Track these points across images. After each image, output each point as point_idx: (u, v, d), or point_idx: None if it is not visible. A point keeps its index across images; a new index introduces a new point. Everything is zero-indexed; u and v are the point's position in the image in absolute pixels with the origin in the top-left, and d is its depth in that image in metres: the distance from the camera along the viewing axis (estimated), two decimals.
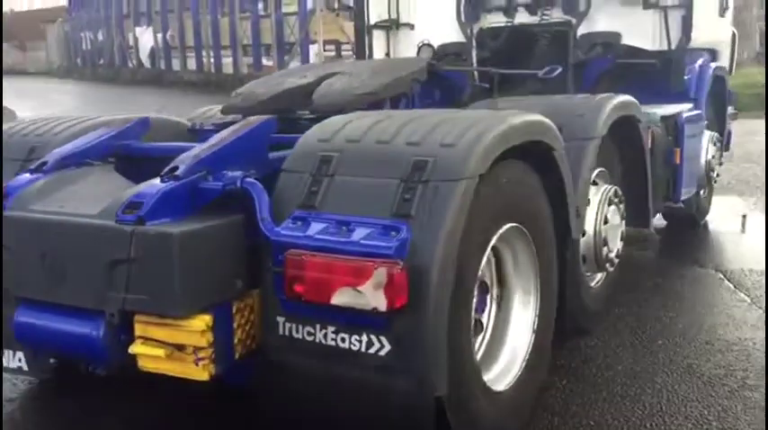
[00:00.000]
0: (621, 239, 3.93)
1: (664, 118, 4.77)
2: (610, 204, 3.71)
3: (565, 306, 3.26)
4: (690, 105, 5.29)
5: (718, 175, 6.03)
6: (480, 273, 2.56)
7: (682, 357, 3.47)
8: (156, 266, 2.25)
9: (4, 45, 52.13)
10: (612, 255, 3.79)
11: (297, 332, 2.36)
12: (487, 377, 2.72)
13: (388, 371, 2.24)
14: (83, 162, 2.88)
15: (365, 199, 2.33)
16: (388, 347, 2.23)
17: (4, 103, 19.84)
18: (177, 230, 2.24)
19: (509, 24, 5.50)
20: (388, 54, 6.07)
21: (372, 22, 5.90)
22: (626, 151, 4.07)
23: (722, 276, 4.70)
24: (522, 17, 5.46)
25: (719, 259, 5.22)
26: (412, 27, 6.00)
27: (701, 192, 5.93)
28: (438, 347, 2.22)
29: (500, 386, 2.76)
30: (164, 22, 26.89)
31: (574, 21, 5.26)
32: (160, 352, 2.32)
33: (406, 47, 5.97)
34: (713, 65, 5.69)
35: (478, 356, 2.88)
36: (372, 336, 2.24)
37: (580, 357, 3.49)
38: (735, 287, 4.50)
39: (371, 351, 2.25)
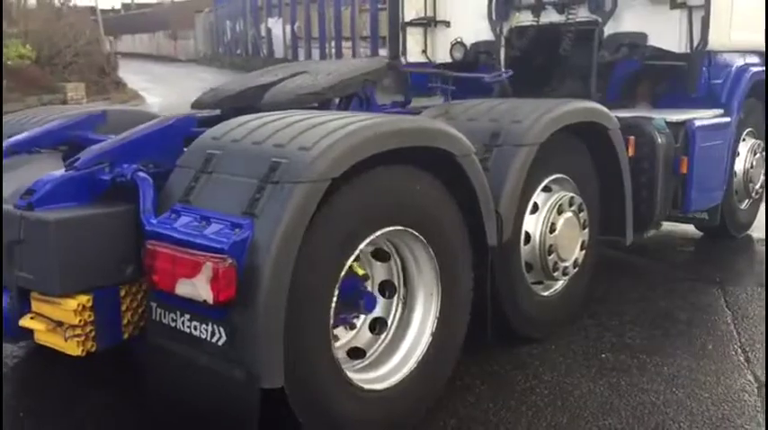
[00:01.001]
0: (584, 248, 3.84)
1: (672, 125, 4.56)
2: (561, 212, 3.63)
3: (489, 311, 3.26)
4: (717, 112, 5.01)
5: (762, 187, 5.66)
6: (344, 273, 2.63)
7: (621, 379, 3.35)
8: (38, 249, 2.52)
9: (158, 34, 56.06)
10: (566, 264, 3.72)
11: (164, 317, 2.56)
12: (363, 375, 2.80)
13: (225, 359, 2.39)
14: (32, 150, 3.20)
15: (227, 196, 2.49)
16: (224, 338, 2.38)
17: (137, 87, 21.58)
18: (53, 217, 2.50)
19: (536, 23, 5.43)
20: (424, 52, 6.16)
21: (408, 18, 5.96)
22: (600, 159, 3.95)
23: (723, 298, 4.42)
24: (551, 16, 5.36)
25: (729, 275, 4.88)
26: (448, 24, 6.04)
27: (741, 203, 5.58)
28: (270, 342, 2.34)
29: (381, 385, 2.83)
30: (292, 14, 27.95)
31: (600, 20, 5.11)
32: (42, 326, 2.59)
33: (443, 44, 6.02)
34: (755, 69, 5.32)
35: (377, 354, 2.99)
36: (214, 326, 2.40)
37: (510, 364, 3.46)
38: (728, 307, 4.25)
39: (213, 340, 2.41)
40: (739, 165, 5.42)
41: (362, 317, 3.02)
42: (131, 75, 23.95)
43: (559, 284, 3.84)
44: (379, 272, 3.05)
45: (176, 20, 51.51)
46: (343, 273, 2.62)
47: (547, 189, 3.67)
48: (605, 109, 3.94)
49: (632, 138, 4.24)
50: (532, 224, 3.58)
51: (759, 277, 4.83)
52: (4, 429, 2.96)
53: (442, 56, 6.03)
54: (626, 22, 5.05)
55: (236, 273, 2.28)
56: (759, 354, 3.54)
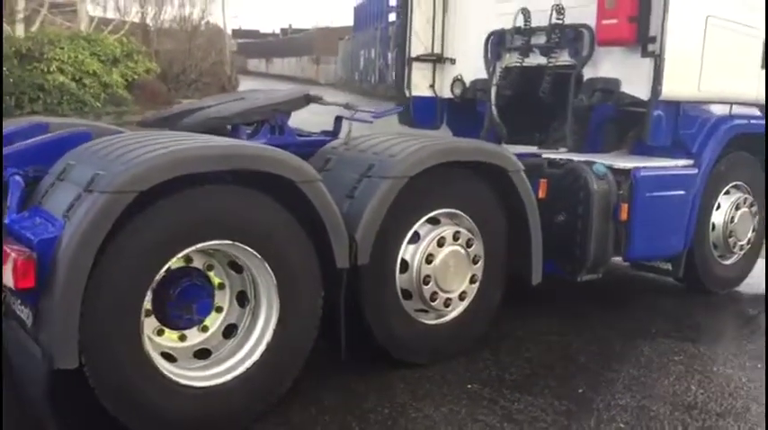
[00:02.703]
0: (474, 282, 3.94)
1: (617, 171, 4.54)
2: (442, 245, 3.77)
3: (342, 330, 3.45)
4: (685, 162, 4.92)
5: (748, 244, 5.41)
6: (161, 276, 2.94)
7: (467, 411, 3.43)
8: None
9: (304, 59, 58.85)
10: (449, 295, 3.83)
11: (12, 302, 2.98)
12: (187, 373, 3.09)
13: (33, 339, 2.78)
14: None
15: (61, 200, 2.90)
16: (32, 320, 2.77)
17: None
18: None
19: (521, 64, 5.55)
20: (432, 86, 6.40)
21: (415, 54, 6.23)
22: (506, 199, 4.03)
23: (642, 348, 4.27)
24: (537, 58, 5.47)
25: (673, 328, 4.67)
26: (453, 62, 6.27)
27: (724, 258, 5.36)
28: (64, 327, 2.67)
29: (203, 383, 3.12)
30: None
31: (577, 64, 5.17)
32: None
33: (449, 80, 6.27)
34: (739, 121, 5.15)
35: (221, 355, 3.27)
36: (28, 310, 2.80)
37: (373, 385, 3.61)
38: (642, 355, 4.13)
39: (28, 322, 2.80)
40: (718, 218, 5.25)
41: (217, 321, 3.32)
42: None
43: (452, 314, 3.95)
44: (236, 282, 3.34)
45: (320, 45, 54.01)
46: (158, 277, 2.94)
47: (434, 221, 3.82)
48: (503, 150, 4.04)
49: (543, 181, 4.30)
50: (410, 253, 3.73)
51: (709, 335, 4.66)
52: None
53: (448, 91, 6.27)
54: (602, 67, 5.08)
55: (35, 265, 2.66)
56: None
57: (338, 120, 4.31)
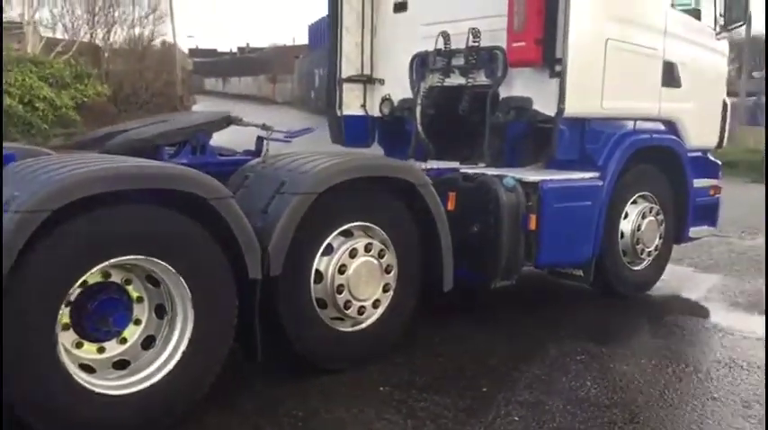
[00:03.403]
0: (387, 291, 4.18)
1: (525, 184, 4.84)
2: (354, 256, 4.01)
3: (258, 337, 3.65)
4: (592, 174, 5.24)
5: (656, 250, 5.76)
6: (75, 290, 3.12)
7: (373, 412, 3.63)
8: None
9: (261, 77, 58.91)
10: (362, 304, 4.07)
11: None
12: (105, 382, 3.26)
13: None
14: None
15: None
16: None
17: None
18: None
19: (442, 84, 5.85)
20: (363, 106, 6.66)
21: (345, 75, 6.49)
22: (417, 211, 4.29)
23: (549, 352, 4.55)
24: (457, 78, 5.77)
25: (578, 333, 4.96)
26: (382, 82, 6.54)
27: (634, 265, 5.70)
28: None
29: (121, 391, 3.29)
30: None
31: (493, 84, 5.48)
32: None
33: (379, 100, 6.53)
34: (640, 136, 5.52)
35: (141, 364, 3.44)
36: None
37: (289, 389, 3.82)
38: (544, 360, 4.41)
39: None
40: (626, 227, 5.58)
41: (136, 333, 3.50)
42: None
43: (367, 322, 4.18)
44: (154, 295, 3.52)
45: (277, 64, 54.13)
46: (73, 292, 3.11)
47: (347, 233, 4.06)
48: (409, 165, 4.31)
49: (452, 193, 4.58)
50: (324, 264, 3.96)
51: (613, 336, 4.97)
52: None
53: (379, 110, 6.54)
54: (516, 87, 5.41)
55: None
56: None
57: (259, 140, 4.53)
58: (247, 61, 67.81)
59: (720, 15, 6.03)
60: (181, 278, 3.39)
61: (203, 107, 28.71)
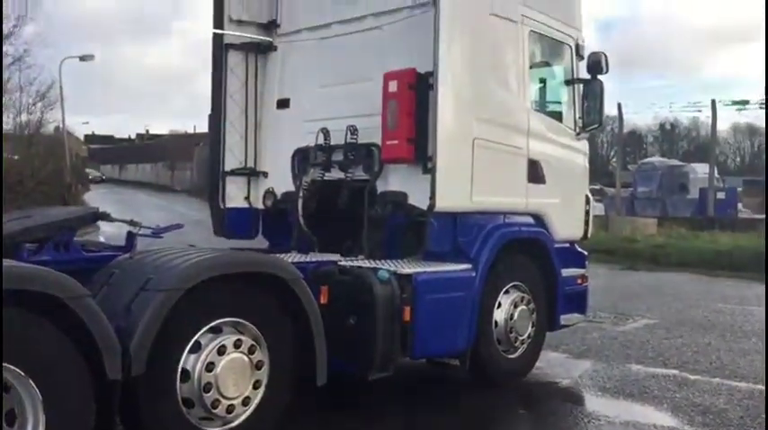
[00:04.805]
0: (257, 387, 4.14)
1: (400, 276, 4.96)
2: (222, 353, 3.97)
3: None
4: (464, 266, 5.42)
5: (529, 338, 5.96)
6: None
7: None
8: None
9: (159, 165, 58.20)
10: (231, 402, 4.00)
11: None
12: None
13: None
14: None
15: None
16: None
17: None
18: None
19: (323, 178, 5.99)
20: (247, 198, 6.71)
21: (229, 168, 6.54)
22: (289, 305, 4.32)
23: None
24: (337, 173, 5.93)
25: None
26: (266, 175, 6.63)
27: (508, 353, 5.86)
28: None
29: None
30: None
31: (370, 179, 5.66)
32: None
33: (262, 192, 6.60)
34: (509, 228, 5.79)
35: None
36: None
37: None
38: None
39: None
40: (500, 316, 5.76)
41: None
42: (100, 203, 24.79)
43: (237, 420, 4.10)
44: (6, 402, 3.35)
45: (176, 151, 53.69)
46: None
47: (216, 330, 4.02)
48: (278, 260, 4.36)
49: (324, 287, 4.64)
50: (191, 362, 3.90)
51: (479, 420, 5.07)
52: None
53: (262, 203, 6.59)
54: (392, 181, 5.61)
55: None
56: None
57: (129, 235, 4.49)
58: (146, 148, 67.06)
59: (579, 118, 6.51)
60: (31, 381, 3.26)
61: (96, 195, 28.05)
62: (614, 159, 27.61)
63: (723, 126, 58.72)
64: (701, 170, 28.35)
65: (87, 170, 59.70)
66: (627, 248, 16.26)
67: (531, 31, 6.02)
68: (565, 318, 6.40)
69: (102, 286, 3.84)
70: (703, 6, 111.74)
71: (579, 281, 6.55)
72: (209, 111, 6.71)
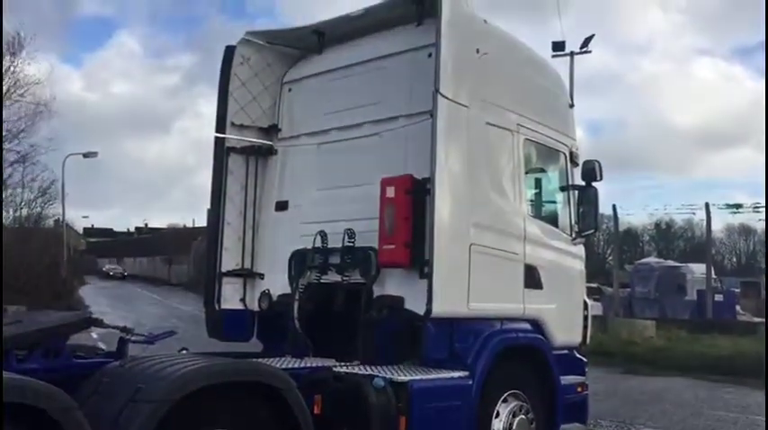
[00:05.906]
0: None
1: (395, 384, 4.85)
2: None
3: None
4: (461, 373, 5.32)
5: None
6: None
7: None
8: None
9: (157, 259, 58.22)
10: None
11: None
12: None
13: None
14: None
15: None
16: None
17: (94, 310, 22.18)
18: None
19: (319, 281, 5.97)
20: (243, 300, 6.64)
21: (226, 269, 6.51)
22: (284, 415, 4.21)
23: None
24: (333, 276, 5.91)
25: None
26: (262, 277, 6.59)
27: None
28: None
29: None
30: None
31: (366, 283, 5.63)
32: None
33: (258, 294, 6.54)
34: (510, 335, 5.73)
35: None
36: None
37: None
38: None
39: None
40: (498, 426, 5.60)
41: None
42: (95, 298, 24.67)
43: None
44: None
45: (173, 245, 53.85)
46: None
47: None
48: (272, 369, 4.28)
49: (318, 397, 4.53)
50: None
51: None
52: None
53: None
54: (389, 286, 5.58)
55: None
56: None
57: (121, 341, 4.42)
58: (144, 242, 67.29)
59: (575, 223, 6.56)
60: None
61: (92, 288, 27.85)
62: (611, 258, 27.61)
63: (717, 226, 59.22)
64: (698, 270, 28.30)
65: (108, 266, 59.97)
66: (626, 352, 16.04)
67: (527, 139, 6.15)
68: (564, 428, 6.24)
69: (92, 395, 3.75)
70: (689, 111, 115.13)
71: (579, 389, 6.43)
72: (207, 206, 6.74)
